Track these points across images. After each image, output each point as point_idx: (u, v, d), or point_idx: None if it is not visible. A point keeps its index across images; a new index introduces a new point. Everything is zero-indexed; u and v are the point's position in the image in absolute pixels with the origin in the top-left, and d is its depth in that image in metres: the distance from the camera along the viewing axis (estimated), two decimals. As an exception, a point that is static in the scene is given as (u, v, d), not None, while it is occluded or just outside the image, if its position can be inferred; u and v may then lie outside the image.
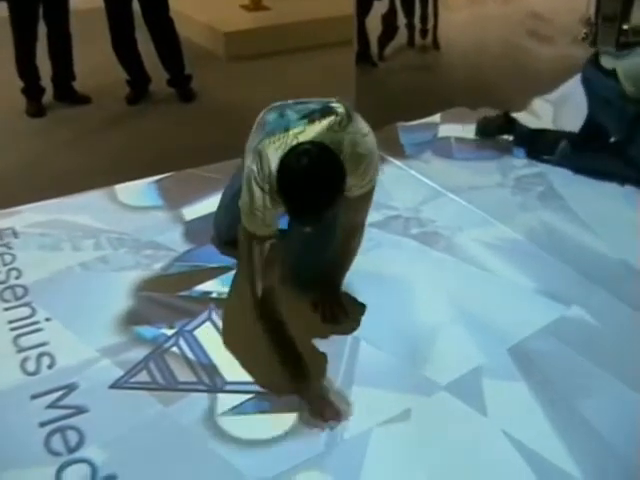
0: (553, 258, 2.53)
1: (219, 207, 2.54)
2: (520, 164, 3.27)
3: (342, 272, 2.24)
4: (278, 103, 2.07)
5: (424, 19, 5.10)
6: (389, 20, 4.91)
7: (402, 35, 5.02)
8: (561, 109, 3.78)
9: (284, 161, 1.76)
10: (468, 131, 3.49)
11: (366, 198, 2.03)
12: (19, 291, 2.39)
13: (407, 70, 4.69)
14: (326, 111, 1.90)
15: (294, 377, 1.90)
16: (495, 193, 3.02)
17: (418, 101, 3.98)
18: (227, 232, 2.40)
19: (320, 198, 1.71)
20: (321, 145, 1.76)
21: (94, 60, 4.25)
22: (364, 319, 2.22)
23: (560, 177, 3.12)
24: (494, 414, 1.85)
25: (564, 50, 4.71)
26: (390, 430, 1.81)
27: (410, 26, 5.06)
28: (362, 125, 1.95)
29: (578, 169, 3.13)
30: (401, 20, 4.99)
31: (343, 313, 2.22)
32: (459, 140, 3.51)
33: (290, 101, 2.05)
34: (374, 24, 4.74)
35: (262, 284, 1.91)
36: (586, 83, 3.14)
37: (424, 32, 5.12)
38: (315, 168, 1.71)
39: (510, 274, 2.45)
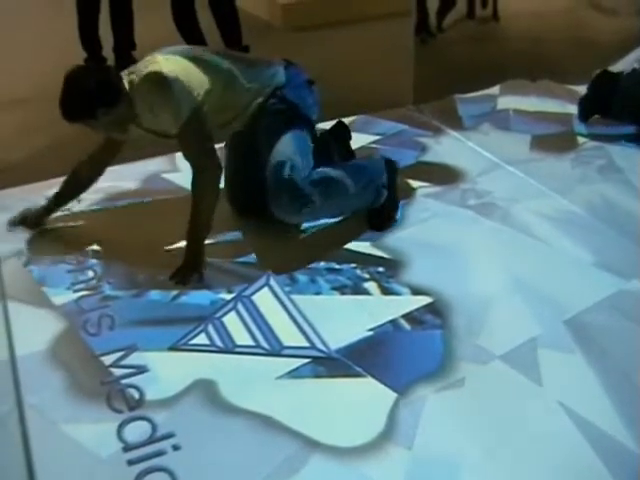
0: (612, 231, 2.48)
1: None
2: (580, 137, 3.20)
3: (193, 227, 2.29)
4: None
5: None
6: None
7: (462, 6, 4.93)
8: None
9: None
10: (527, 103, 3.43)
11: (180, 137, 2.26)
12: (81, 255, 2.47)
13: (466, 41, 4.62)
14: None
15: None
16: (554, 166, 2.97)
17: (477, 73, 3.92)
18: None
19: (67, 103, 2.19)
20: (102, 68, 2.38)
21: (155, 30, 4.30)
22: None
23: (621, 151, 3.05)
24: (550, 385, 1.84)
25: (627, 22, 4.56)
26: (444, 397, 1.81)
27: None
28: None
29: None
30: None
31: (194, 277, 2.28)
32: (518, 112, 3.46)
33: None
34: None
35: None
36: None
37: (484, 3, 5.02)
38: (74, 78, 2.20)
39: (568, 246, 2.42)
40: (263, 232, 2.54)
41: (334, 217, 2.54)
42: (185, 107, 2.21)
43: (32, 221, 2.61)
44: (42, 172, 2.97)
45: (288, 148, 2.32)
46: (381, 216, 2.56)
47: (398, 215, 2.60)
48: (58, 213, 2.66)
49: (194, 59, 2.33)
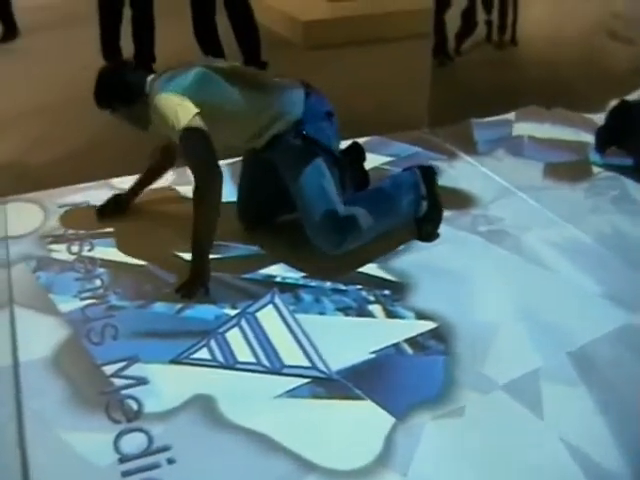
0: (623, 263, 2.46)
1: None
2: (595, 167, 3.19)
3: (197, 236, 2.29)
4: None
5: (503, 15, 5.02)
6: (468, 16, 4.85)
7: (480, 30, 4.94)
8: (640, 112, 3.66)
9: None
10: (542, 130, 3.42)
11: (181, 147, 2.32)
12: (89, 263, 2.48)
13: (483, 66, 4.61)
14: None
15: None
16: (567, 195, 2.96)
17: (493, 97, 3.92)
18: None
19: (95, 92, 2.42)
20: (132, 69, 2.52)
21: (175, 43, 4.35)
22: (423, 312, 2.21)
23: (636, 183, 3.03)
24: (551, 418, 1.82)
25: (644, 51, 4.56)
26: (443, 425, 1.80)
27: (489, 22, 4.99)
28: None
29: None
30: (480, 16, 4.92)
31: (199, 291, 2.29)
32: (533, 139, 3.45)
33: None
34: (453, 19, 4.68)
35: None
36: None
37: (502, 28, 5.04)
38: (104, 71, 2.47)
39: (576, 277, 2.40)
40: (271, 248, 2.54)
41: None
42: (182, 119, 2.24)
43: (120, 207, 2.77)
44: (59, 179, 3.03)
45: (317, 191, 2.34)
46: (425, 226, 2.58)
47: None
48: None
49: (206, 76, 2.36)
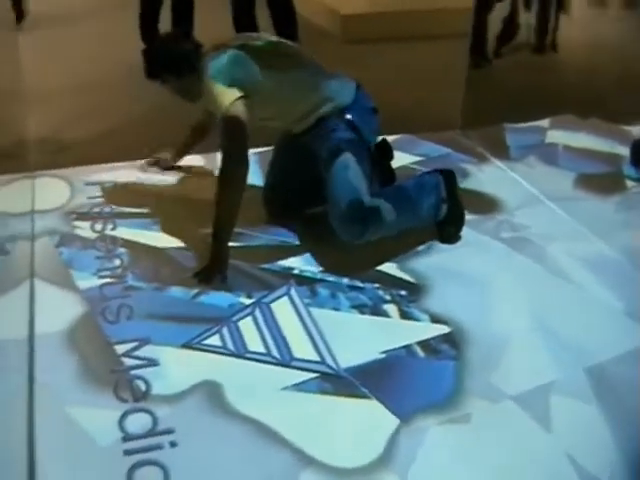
0: (649, 281, 2.41)
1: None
2: (629, 181, 3.12)
3: (217, 222, 2.29)
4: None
5: (544, 20, 4.94)
6: (510, 20, 4.79)
7: (521, 34, 4.88)
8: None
9: None
10: (576, 139, 3.36)
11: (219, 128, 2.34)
12: (111, 242, 2.51)
13: (521, 69, 4.55)
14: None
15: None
16: (597, 207, 2.90)
17: (528, 102, 3.86)
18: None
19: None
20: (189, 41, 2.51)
21: (213, 29, 4.34)
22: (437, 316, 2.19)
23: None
24: (558, 433, 1.79)
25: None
26: (447, 431, 1.78)
27: (530, 26, 4.93)
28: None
29: None
30: (522, 18, 4.85)
31: (217, 277, 2.29)
32: (567, 148, 3.40)
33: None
34: (496, 21, 4.63)
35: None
36: None
37: (543, 33, 4.96)
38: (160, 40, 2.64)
39: (600, 291, 2.35)
40: (292, 240, 2.55)
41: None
42: (224, 103, 2.26)
43: (165, 163, 3.00)
44: (91, 157, 3.08)
45: (348, 180, 2.35)
46: (447, 228, 2.57)
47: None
48: (98, 198, 2.73)
49: (257, 50, 2.40)
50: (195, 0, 4.08)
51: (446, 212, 2.55)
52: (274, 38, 2.63)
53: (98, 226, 2.60)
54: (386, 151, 2.78)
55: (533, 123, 3.64)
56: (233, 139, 2.28)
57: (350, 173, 2.36)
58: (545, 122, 3.64)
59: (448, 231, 2.58)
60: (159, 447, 1.70)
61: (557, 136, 3.51)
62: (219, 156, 2.35)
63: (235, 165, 2.28)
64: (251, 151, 2.32)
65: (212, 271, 2.31)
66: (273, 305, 2.22)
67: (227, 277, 2.31)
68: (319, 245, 2.50)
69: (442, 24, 4.83)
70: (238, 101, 2.27)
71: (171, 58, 2.43)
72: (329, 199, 2.39)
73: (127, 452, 1.68)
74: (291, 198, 2.61)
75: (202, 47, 2.47)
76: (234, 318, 2.15)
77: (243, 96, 2.27)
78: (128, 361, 1.97)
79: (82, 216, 2.66)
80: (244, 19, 4.09)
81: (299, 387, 1.90)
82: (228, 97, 2.26)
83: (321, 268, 2.40)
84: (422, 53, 4.61)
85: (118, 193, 2.82)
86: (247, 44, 2.43)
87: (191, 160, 3.06)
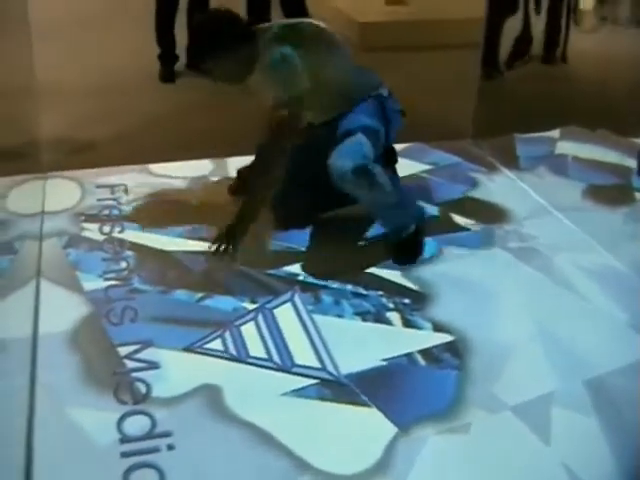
0: (655, 295, 2.40)
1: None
2: (638, 193, 3.11)
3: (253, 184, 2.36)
4: None
5: (554, 31, 4.93)
6: (522, 35, 4.80)
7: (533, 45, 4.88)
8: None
9: None
10: (586, 151, 3.35)
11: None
12: (118, 245, 2.53)
13: (531, 80, 4.54)
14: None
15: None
16: (605, 219, 2.89)
17: (538, 113, 3.84)
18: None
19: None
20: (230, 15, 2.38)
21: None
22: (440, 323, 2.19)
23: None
24: (557, 445, 1.78)
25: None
26: (446, 440, 1.77)
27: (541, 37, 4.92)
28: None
29: None
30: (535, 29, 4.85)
31: (226, 247, 2.33)
32: (576, 159, 3.38)
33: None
34: (510, 33, 4.63)
35: None
36: None
37: (553, 44, 4.94)
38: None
39: (604, 303, 2.34)
40: (299, 245, 2.56)
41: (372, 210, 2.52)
42: (287, 91, 2.30)
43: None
44: (105, 159, 3.12)
45: (363, 144, 2.34)
46: (402, 250, 2.52)
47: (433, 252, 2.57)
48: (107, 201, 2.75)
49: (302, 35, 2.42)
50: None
51: (409, 236, 2.51)
52: (321, 24, 2.58)
53: (106, 228, 2.62)
54: (390, 155, 2.79)
55: (543, 134, 3.63)
56: (288, 122, 2.31)
57: (362, 140, 2.35)
58: (555, 133, 3.63)
59: (402, 253, 2.52)
60: (156, 450, 1.70)
61: (567, 147, 3.50)
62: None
63: (283, 141, 2.32)
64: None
65: (228, 235, 2.34)
66: (276, 311, 2.22)
67: (238, 251, 2.35)
68: (322, 253, 2.50)
69: (459, 34, 4.82)
70: (299, 96, 2.30)
71: (229, 35, 2.34)
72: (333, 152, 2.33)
73: (124, 454, 1.69)
74: (304, 204, 2.57)
75: (253, 25, 2.44)
76: (237, 323, 2.16)
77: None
78: (130, 363, 1.98)
79: (91, 218, 2.69)
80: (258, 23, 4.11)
81: (298, 393, 1.90)
82: (294, 88, 2.30)
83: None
84: (435, 62, 4.61)
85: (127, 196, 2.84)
86: (295, 26, 2.46)
87: (200, 165, 3.08)
